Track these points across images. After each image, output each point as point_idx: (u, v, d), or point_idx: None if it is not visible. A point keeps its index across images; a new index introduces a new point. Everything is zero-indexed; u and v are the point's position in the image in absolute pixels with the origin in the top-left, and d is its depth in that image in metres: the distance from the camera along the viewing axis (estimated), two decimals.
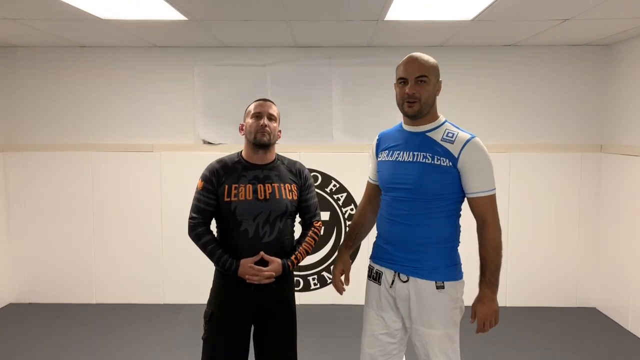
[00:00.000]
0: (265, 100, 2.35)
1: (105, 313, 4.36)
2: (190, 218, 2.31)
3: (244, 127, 2.34)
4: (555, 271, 4.51)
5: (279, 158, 2.40)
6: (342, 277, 2.33)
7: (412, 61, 2.04)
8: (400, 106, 2.09)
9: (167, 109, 4.49)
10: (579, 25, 3.58)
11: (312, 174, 4.49)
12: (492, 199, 2.03)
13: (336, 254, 2.37)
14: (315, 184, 4.49)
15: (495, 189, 2.05)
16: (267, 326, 2.33)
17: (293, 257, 2.31)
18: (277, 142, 2.35)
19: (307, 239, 2.39)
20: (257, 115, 2.28)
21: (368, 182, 2.40)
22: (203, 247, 2.28)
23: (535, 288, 4.52)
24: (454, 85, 4.38)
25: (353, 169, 4.47)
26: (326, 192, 4.51)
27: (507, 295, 4.50)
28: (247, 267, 2.20)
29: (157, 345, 3.74)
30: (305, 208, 2.41)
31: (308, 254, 2.40)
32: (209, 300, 2.35)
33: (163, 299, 4.57)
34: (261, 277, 2.20)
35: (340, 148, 4.48)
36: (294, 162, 2.43)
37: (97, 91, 4.48)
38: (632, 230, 3.97)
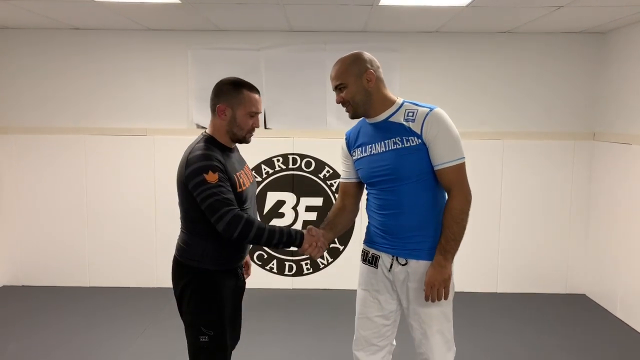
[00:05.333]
0: (259, 94, 2.20)
1: (99, 296, 4.38)
2: (229, 210, 1.96)
3: (233, 116, 2.14)
4: (546, 258, 4.55)
5: None
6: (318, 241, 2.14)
7: (331, 73, 2.18)
8: None
9: (160, 92, 4.47)
10: (573, 13, 3.57)
11: (306, 159, 4.50)
12: (457, 168, 1.99)
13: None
14: (309, 170, 4.50)
15: (462, 157, 2.00)
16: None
17: None
18: None
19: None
20: (255, 115, 2.16)
21: (340, 182, 2.38)
22: (259, 231, 1.99)
23: (526, 274, 4.56)
24: (448, 71, 4.38)
25: None
26: (319, 178, 4.51)
27: (498, 281, 4.55)
28: (314, 236, 2.10)
29: (151, 327, 3.77)
30: None
31: None
32: (205, 323, 2.16)
33: (156, 282, 4.58)
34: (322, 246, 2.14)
35: (334, 134, 4.47)
36: None
37: (90, 74, 4.44)
38: (622, 217, 4.00)
